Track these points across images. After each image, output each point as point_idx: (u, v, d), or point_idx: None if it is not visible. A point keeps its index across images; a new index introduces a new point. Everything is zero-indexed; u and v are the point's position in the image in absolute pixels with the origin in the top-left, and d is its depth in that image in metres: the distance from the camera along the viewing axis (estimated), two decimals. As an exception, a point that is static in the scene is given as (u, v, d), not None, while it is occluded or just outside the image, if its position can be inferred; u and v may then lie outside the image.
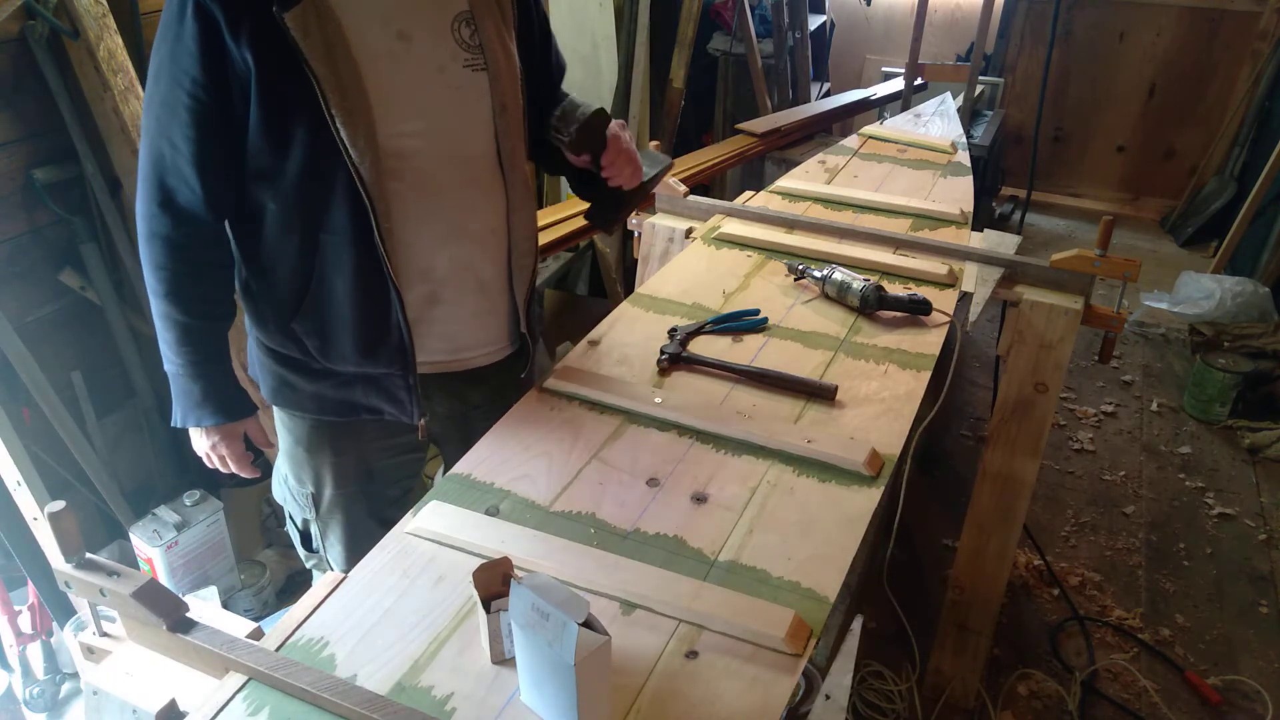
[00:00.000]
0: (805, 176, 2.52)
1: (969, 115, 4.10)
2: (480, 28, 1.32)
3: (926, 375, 1.53)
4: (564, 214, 2.96)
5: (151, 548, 2.22)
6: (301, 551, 1.66)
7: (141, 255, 1.31)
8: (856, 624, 1.71)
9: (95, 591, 1.02)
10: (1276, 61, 4.56)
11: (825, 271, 1.77)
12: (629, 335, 1.63)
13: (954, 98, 3.36)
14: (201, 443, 1.44)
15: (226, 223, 1.34)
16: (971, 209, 2.27)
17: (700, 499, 1.24)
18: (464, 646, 1.01)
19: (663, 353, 1.54)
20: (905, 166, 2.61)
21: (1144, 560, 2.75)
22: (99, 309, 2.31)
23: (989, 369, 3.62)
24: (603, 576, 1.09)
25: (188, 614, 1.03)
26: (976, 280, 1.91)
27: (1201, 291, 3.91)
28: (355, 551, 1.56)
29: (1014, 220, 5.06)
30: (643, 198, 1.58)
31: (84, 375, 2.31)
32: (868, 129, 2.95)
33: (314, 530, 1.60)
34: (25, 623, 2.15)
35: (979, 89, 4.21)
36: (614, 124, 1.45)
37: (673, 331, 1.60)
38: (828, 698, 1.59)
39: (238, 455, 1.46)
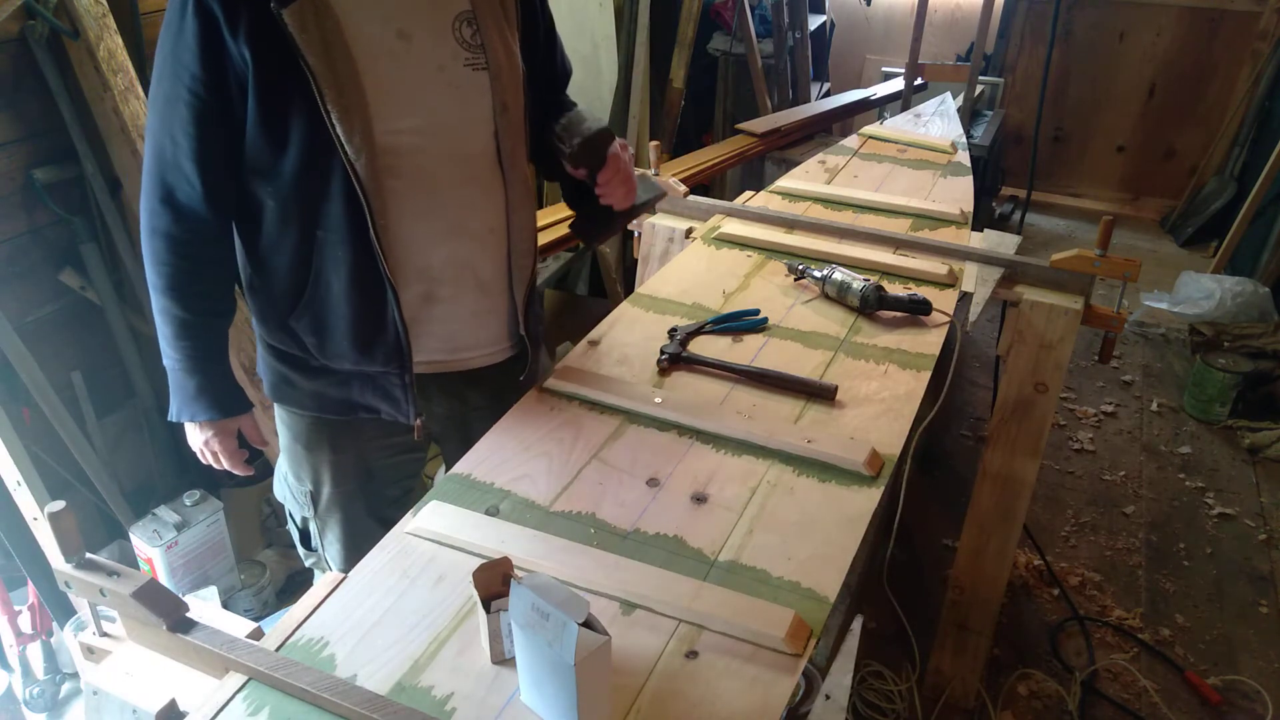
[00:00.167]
0: (805, 176, 2.52)
1: (969, 115, 4.10)
2: (482, 27, 1.32)
3: (926, 375, 1.53)
4: (564, 214, 2.96)
5: (151, 548, 2.22)
6: (301, 550, 1.67)
7: (143, 250, 1.32)
8: (856, 624, 1.72)
9: (95, 591, 1.02)
10: (1276, 61, 4.56)
11: (825, 271, 1.77)
12: (629, 335, 1.63)
13: (954, 98, 3.36)
14: (196, 437, 1.45)
15: (229, 220, 1.34)
16: (971, 209, 2.27)
17: (700, 499, 1.24)
18: (464, 646, 1.01)
19: (663, 353, 1.54)
20: (905, 166, 2.61)
21: (1144, 560, 2.75)
22: (99, 309, 2.31)
23: (989, 369, 3.62)
24: (603, 576, 1.09)
25: (188, 614, 1.03)
26: (976, 280, 1.91)
27: (1201, 291, 3.90)
28: (353, 550, 1.57)
29: (1014, 220, 5.06)
30: (629, 220, 1.58)
31: (84, 375, 2.31)
32: (868, 129, 2.95)
33: (313, 528, 1.60)
34: (25, 623, 2.15)
35: (979, 89, 4.21)
36: (616, 144, 1.45)
37: (673, 331, 1.60)
38: (828, 698, 1.59)
39: (230, 451, 1.46)
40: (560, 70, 1.57)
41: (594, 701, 0.89)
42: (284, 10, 1.16)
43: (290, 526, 1.66)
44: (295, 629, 1.03)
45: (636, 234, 2.18)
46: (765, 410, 1.42)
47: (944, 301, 1.75)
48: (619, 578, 1.09)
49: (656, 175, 2.20)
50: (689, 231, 2.10)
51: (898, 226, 2.13)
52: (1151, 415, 3.48)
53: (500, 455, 1.31)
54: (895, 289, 1.77)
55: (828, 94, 4.85)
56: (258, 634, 1.04)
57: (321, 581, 1.10)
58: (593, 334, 1.63)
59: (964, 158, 2.68)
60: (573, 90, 1.62)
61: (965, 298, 1.88)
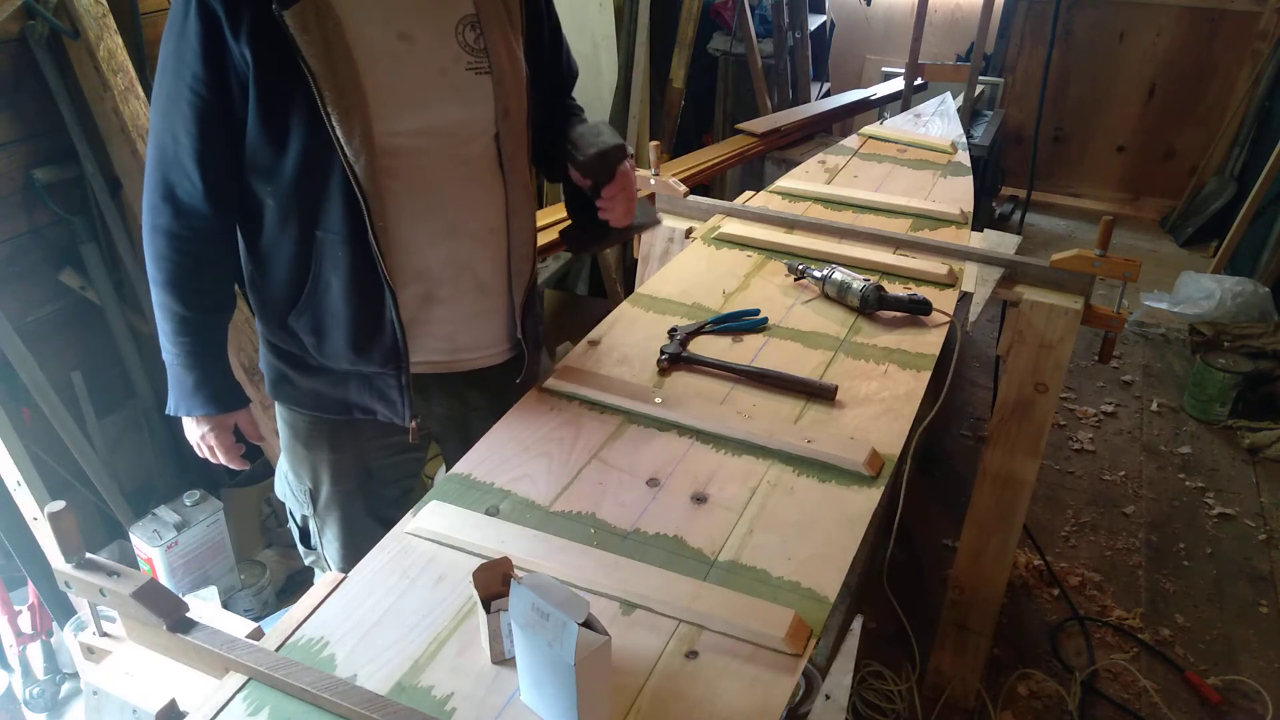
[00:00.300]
0: (805, 176, 2.52)
1: (969, 115, 4.10)
2: (486, 31, 1.32)
3: (926, 375, 1.53)
4: (564, 214, 2.96)
5: (151, 548, 2.22)
6: (301, 548, 1.67)
7: (144, 245, 1.33)
8: (856, 624, 1.72)
9: (95, 591, 1.02)
10: (1276, 61, 4.56)
11: (825, 271, 1.77)
12: (629, 335, 1.63)
13: (954, 98, 3.36)
14: (193, 431, 1.46)
15: (230, 217, 1.35)
16: (971, 209, 2.27)
17: (700, 499, 1.24)
18: (464, 646, 1.01)
19: (663, 353, 1.54)
20: (905, 166, 2.61)
21: (1144, 560, 2.75)
22: (99, 309, 2.31)
23: (989, 369, 3.62)
24: (603, 576, 1.09)
25: (188, 614, 1.03)
26: (976, 280, 1.91)
27: (1201, 291, 3.90)
28: (352, 549, 1.58)
29: (1014, 220, 5.06)
30: (621, 240, 1.58)
31: (84, 375, 2.32)
32: (868, 129, 2.95)
33: (312, 527, 1.61)
34: (25, 623, 2.16)
35: (979, 89, 4.21)
36: (627, 162, 1.45)
37: (673, 331, 1.60)
38: (828, 698, 1.59)
39: (226, 446, 1.47)
40: (566, 72, 1.57)
41: (594, 701, 0.89)
42: (285, 11, 1.17)
43: (290, 525, 1.66)
44: (295, 629, 1.03)
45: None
46: (765, 410, 1.42)
47: (944, 301, 1.75)
48: (619, 578, 1.09)
49: (656, 175, 2.20)
50: (689, 231, 2.10)
51: (898, 226, 2.13)
52: (1151, 415, 3.48)
53: (500, 455, 1.31)
54: (895, 289, 1.77)
55: (828, 94, 4.85)
56: (258, 634, 1.04)
57: (321, 581, 1.10)
58: (593, 334, 1.63)
59: (964, 158, 2.68)
60: (574, 90, 1.62)
61: (965, 298, 1.88)
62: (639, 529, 1.18)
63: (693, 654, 1.01)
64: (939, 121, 3.06)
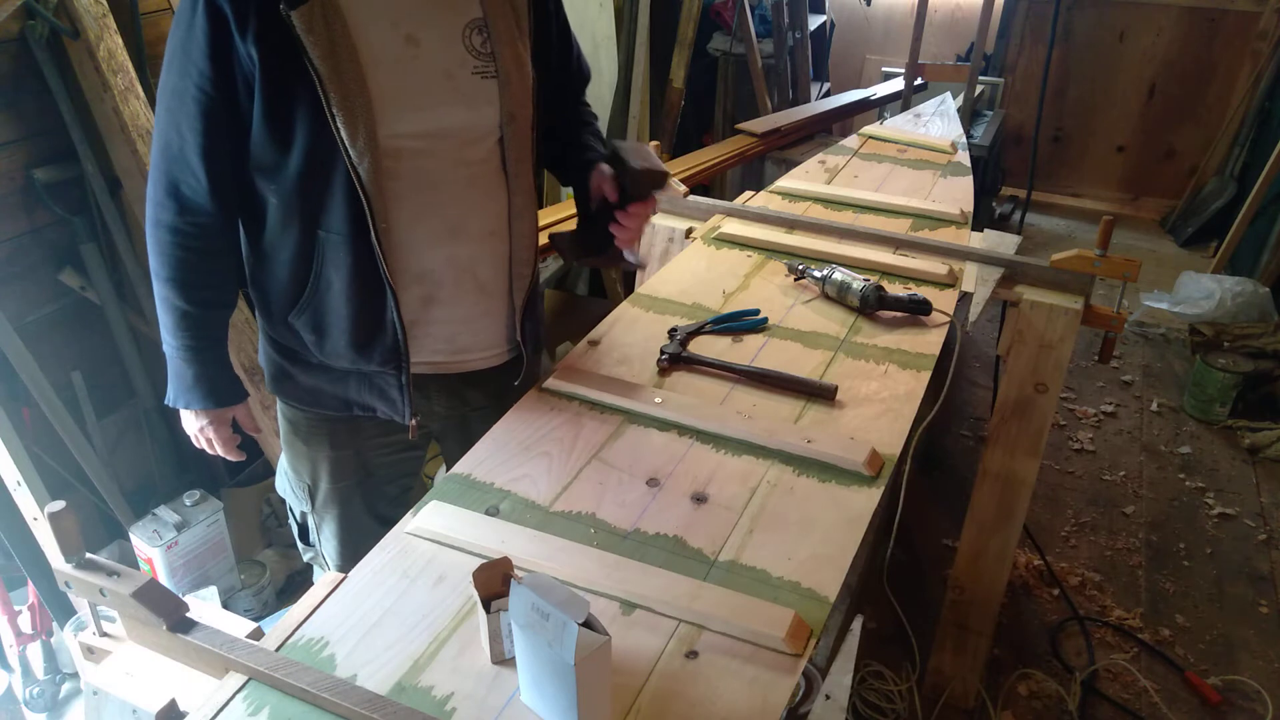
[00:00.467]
0: (805, 176, 2.52)
1: (969, 115, 4.10)
2: (493, 36, 1.31)
3: (926, 375, 1.53)
4: (564, 214, 2.96)
5: (151, 548, 2.22)
6: (300, 545, 1.68)
7: (147, 239, 1.33)
8: (856, 624, 1.72)
9: (95, 591, 1.02)
10: (1276, 61, 4.56)
11: (825, 271, 1.77)
12: (629, 335, 1.63)
13: (954, 98, 3.36)
14: (191, 424, 1.47)
15: (233, 214, 1.35)
16: (971, 209, 2.27)
17: (700, 499, 1.24)
18: (464, 646, 1.01)
19: (663, 353, 1.54)
20: (905, 166, 2.61)
21: (1144, 560, 2.75)
22: (99, 309, 2.31)
23: (989, 369, 3.62)
24: (603, 576, 1.09)
25: (188, 614, 1.03)
26: (976, 280, 1.91)
27: (1201, 291, 3.90)
28: (349, 546, 1.58)
29: (1014, 220, 5.06)
30: (610, 263, 1.57)
31: (84, 375, 2.32)
32: (868, 129, 2.95)
33: (310, 523, 1.61)
34: (25, 623, 2.16)
35: (979, 89, 4.21)
36: (656, 195, 1.45)
37: (673, 331, 1.60)
38: (828, 698, 1.59)
39: (224, 439, 1.48)
40: (576, 74, 1.57)
41: (594, 701, 0.89)
42: (293, 12, 1.17)
43: (290, 521, 1.67)
44: (295, 629, 1.03)
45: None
46: (765, 410, 1.42)
47: (944, 301, 1.75)
48: (619, 578, 1.09)
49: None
50: (689, 231, 2.10)
51: (898, 226, 2.13)
52: (1151, 415, 3.48)
53: (500, 455, 1.31)
54: (895, 289, 1.77)
55: (828, 94, 4.85)
56: (258, 634, 1.03)
57: (321, 581, 1.10)
58: (593, 334, 1.63)
59: (964, 158, 2.68)
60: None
61: (965, 298, 1.88)
62: (639, 529, 1.18)
63: (693, 654, 1.01)
64: (939, 121, 3.06)
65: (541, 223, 2.71)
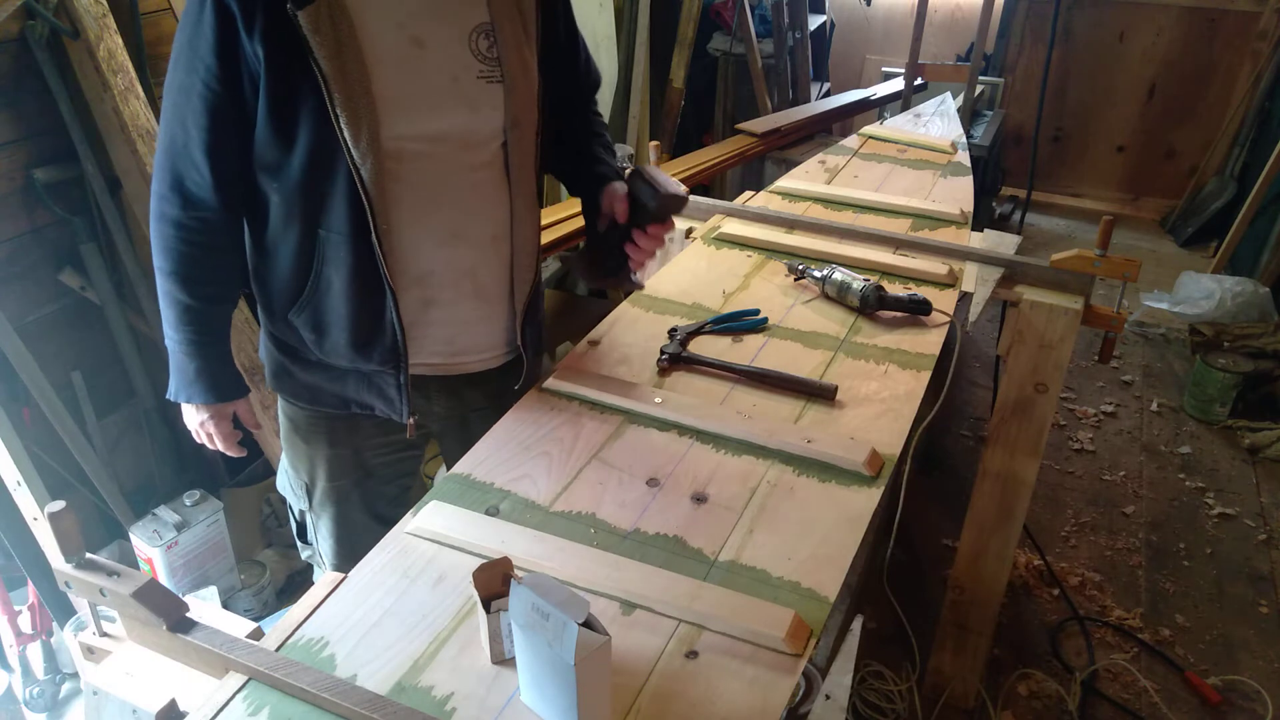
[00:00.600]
0: (805, 176, 2.52)
1: (969, 115, 4.10)
2: (500, 40, 1.31)
3: (926, 375, 1.53)
4: (564, 214, 2.96)
5: (151, 548, 2.22)
6: (299, 543, 1.68)
7: (151, 234, 1.33)
8: (856, 624, 1.72)
9: (95, 591, 1.02)
10: (1276, 61, 4.56)
11: (825, 271, 1.77)
12: (629, 335, 1.63)
13: (954, 98, 3.36)
14: (192, 418, 1.47)
15: (237, 210, 1.35)
16: (971, 209, 2.27)
17: (700, 499, 1.24)
18: (464, 646, 1.01)
19: (663, 353, 1.54)
20: (905, 166, 2.61)
21: (1144, 560, 2.75)
22: (99, 309, 2.31)
23: (989, 369, 3.62)
24: (603, 576, 1.09)
25: (188, 614, 1.03)
26: (976, 280, 1.91)
27: (1201, 291, 3.91)
28: (346, 545, 1.59)
29: (1014, 220, 5.06)
30: (619, 284, 1.56)
31: (84, 375, 2.32)
32: (868, 129, 2.95)
33: (308, 521, 1.62)
34: (25, 623, 2.16)
35: (979, 89, 4.21)
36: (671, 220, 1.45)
37: (673, 331, 1.60)
38: (828, 698, 1.59)
39: (225, 434, 1.48)
40: (585, 79, 1.56)
41: (594, 701, 0.89)
42: (300, 11, 1.17)
43: (290, 520, 1.67)
44: (295, 629, 1.03)
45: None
46: (765, 410, 1.42)
47: (944, 301, 1.75)
48: (619, 578, 1.09)
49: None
50: (689, 231, 2.10)
51: (898, 226, 2.13)
52: (1151, 415, 3.48)
53: (500, 455, 1.31)
54: (895, 289, 1.77)
55: (828, 94, 4.85)
56: (258, 634, 1.04)
57: (321, 581, 1.10)
58: (593, 334, 1.63)
59: (964, 158, 2.68)
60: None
61: (965, 298, 1.88)
62: (639, 529, 1.18)
63: (693, 654, 1.01)
64: (939, 121, 3.06)
65: (542, 222, 2.72)
